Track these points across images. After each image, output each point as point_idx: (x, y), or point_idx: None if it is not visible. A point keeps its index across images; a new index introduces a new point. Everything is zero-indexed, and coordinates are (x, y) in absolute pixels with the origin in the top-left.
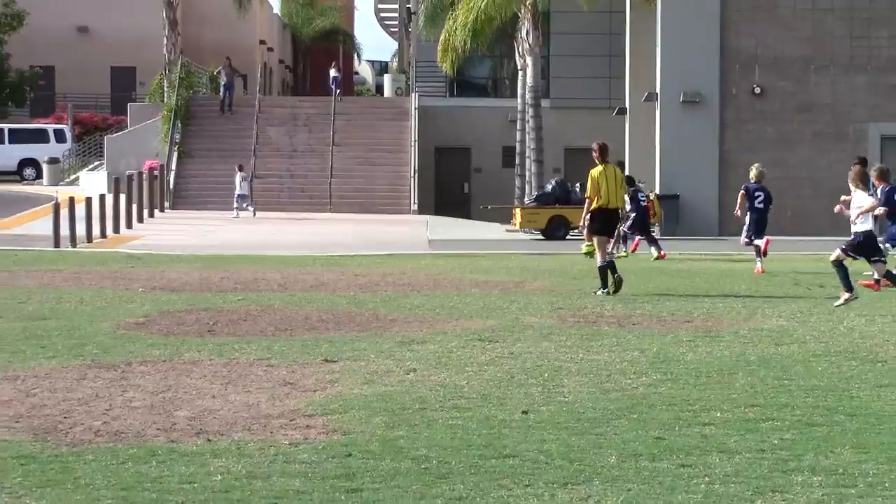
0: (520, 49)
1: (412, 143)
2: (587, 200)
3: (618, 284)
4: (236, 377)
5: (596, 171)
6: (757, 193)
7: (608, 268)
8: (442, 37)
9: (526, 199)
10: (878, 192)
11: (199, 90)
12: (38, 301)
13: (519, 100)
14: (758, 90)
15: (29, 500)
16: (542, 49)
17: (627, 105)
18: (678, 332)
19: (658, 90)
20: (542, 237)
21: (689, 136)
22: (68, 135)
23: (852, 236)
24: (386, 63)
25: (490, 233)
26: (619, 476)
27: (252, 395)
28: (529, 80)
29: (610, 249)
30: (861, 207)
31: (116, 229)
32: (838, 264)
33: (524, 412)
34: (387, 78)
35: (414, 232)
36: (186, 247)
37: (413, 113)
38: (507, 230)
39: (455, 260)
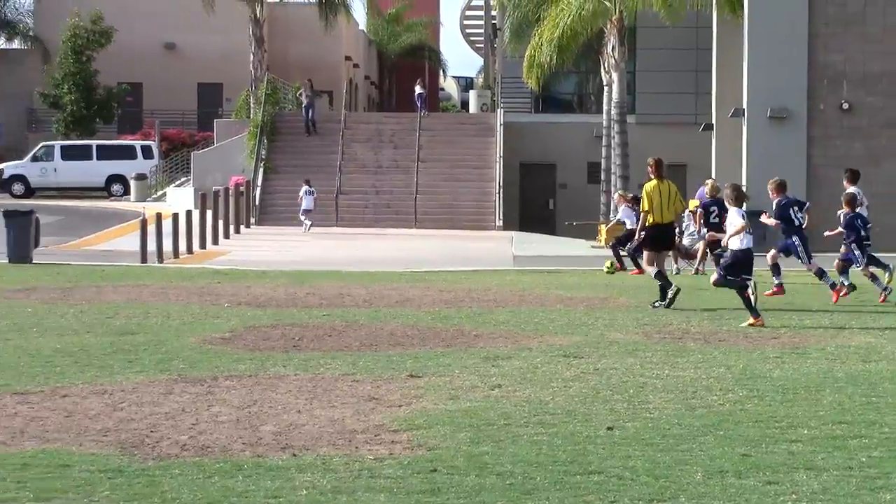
0: (605, 65)
1: (497, 159)
2: (643, 215)
3: (668, 296)
4: (322, 392)
5: (650, 186)
6: (711, 209)
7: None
8: (527, 52)
9: (611, 215)
10: (774, 204)
11: (285, 106)
12: (126, 316)
13: (604, 115)
14: (846, 106)
15: None
16: (627, 64)
17: (714, 121)
18: (764, 348)
19: (745, 106)
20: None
21: (776, 153)
22: (155, 151)
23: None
24: (471, 79)
25: (575, 249)
26: (706, 493)
27: (337, 410)
28: (615, 95)
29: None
30: (734, 226)
31: (203, 245)
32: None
33: (609, 428)
34: (472, 94)
35: (499, 248)
36: (272, 262)
37: (498, 129)
38: (592, 246)
39: (540, 276)
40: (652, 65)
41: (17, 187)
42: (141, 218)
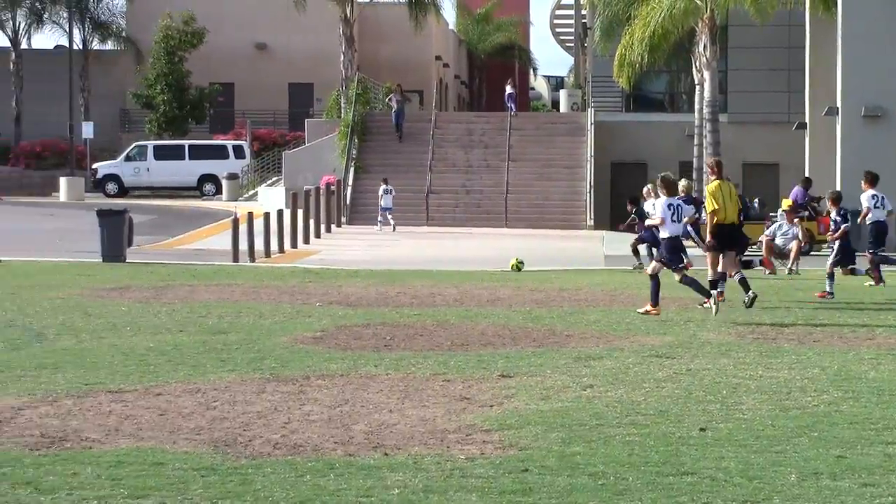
0: (696, 63)
1: (588, 159)
2: (710, 216)
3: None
4: (413, 391)
5: (713, 187)
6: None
7: (716, 282)
8: (618, 52)
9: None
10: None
11: (376, 106)
12: (218, 315)
13: (696, 115)
14: None
15: None
16: (719, 63)
17: (807, 120)
18: (860, 349)
19: (839, 104)
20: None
21: (871, 152)
22: (247, 151)
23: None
24: (562, 78)
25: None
26: (800, 495)
27: (429, 409)
28: (707, 94)
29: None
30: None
31: (294, 244)
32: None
33: (702, 429)
34: (562, 93)
35: (590, 247)
36: (363, 262)
37: (589, 128)
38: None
39: (631, 276)
40: (744, 63)
41: (111, 187)
42: (233, 217)
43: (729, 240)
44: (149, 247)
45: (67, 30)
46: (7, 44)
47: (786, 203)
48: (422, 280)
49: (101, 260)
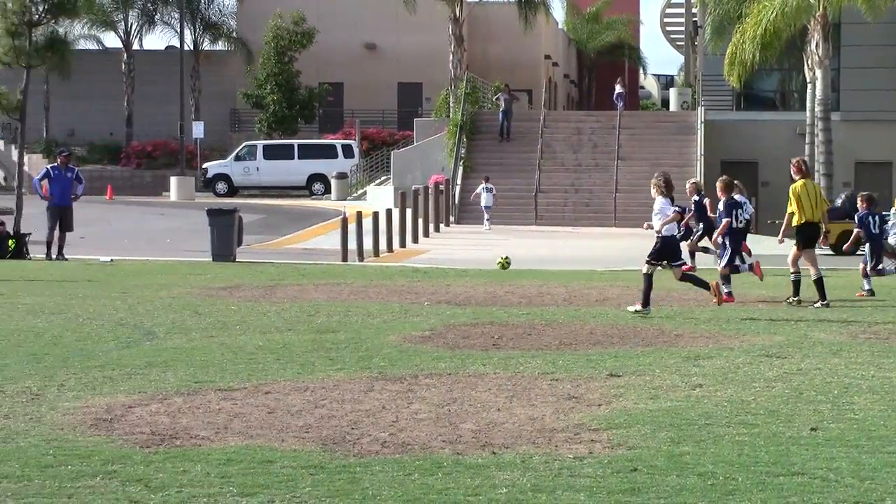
0: (808, 61)
1: (698, 158)
2: (789, 216)
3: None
4: (521, 390)
5: (798, 186)
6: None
7: (821, 280)
8: (729, 50)
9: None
10: (721, 204)
11: (484, 105)
12: (327, 314)
13: (807, 113)
14: None
15: None
16: (831, 61)
17: None
18: None
19: None
20: (831, 252)
21: None
22: (356, 150)
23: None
24: (671, 77)
25: (777, 248)
26: None
27: (536, 408)
28: (818, 92)
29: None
30: (659, 216)
31: (403, 243)
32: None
33: (813, 429)
34: (672, 92)
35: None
36: (471, 261)
37: (699, 127)
38: (781, 242)
39: (741, 275)
40: (857, 61)
41: (221, 186)
42: (341, 217)
43: (814, 237)
44: (258, 246)
45: (178, 30)
46: (119, 45)
47: None
48: (530, 279)
49: (210, 259)
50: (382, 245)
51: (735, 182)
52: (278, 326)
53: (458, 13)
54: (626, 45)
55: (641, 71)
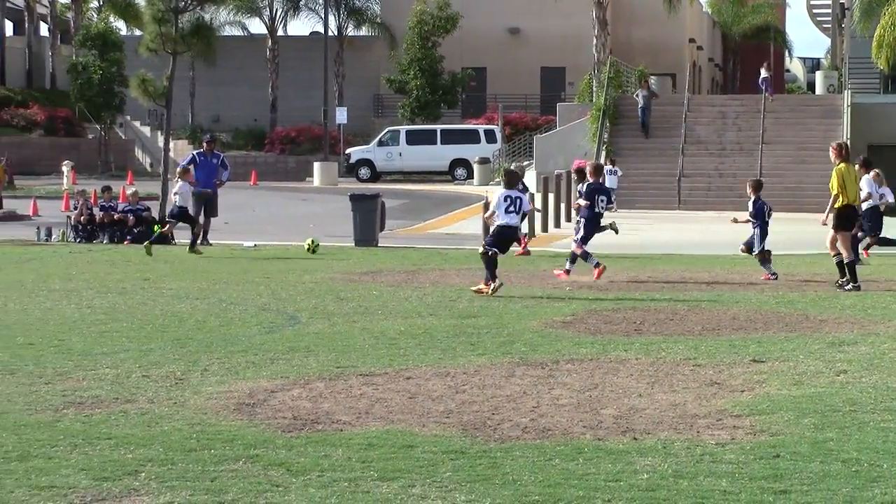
0: None
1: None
2: (833, 197)
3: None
4: (663, 376)
5: (843, 169)
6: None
7: (854, 264)
8: (877, 32)
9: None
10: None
11: (628, 90)
12: (468, 299)
13: None
14: None
15: (458, 494)
16: None
17: None
18: None
19: None
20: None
21: None
22: (498, 135)
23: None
24: (818, 60)
25: None
26: None
27: (678, 394)
28: None
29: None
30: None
31: (545, 228)
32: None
33: None
34: (818, 75)
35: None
36: (613, 245)
37: (845, 110)
38: None
39: (886, 259)
40: None
41: (364, 171)
42: (484, 202)
43: (853, 221)
44: (401, 231)
45: (323, 16)
46: (264, 31)
47: None
48: (673, 264)
49: (353, 244)
50: (524, 230)
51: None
52: (420, 311)
53: None
54: (771, 27)
55: (787, 54)
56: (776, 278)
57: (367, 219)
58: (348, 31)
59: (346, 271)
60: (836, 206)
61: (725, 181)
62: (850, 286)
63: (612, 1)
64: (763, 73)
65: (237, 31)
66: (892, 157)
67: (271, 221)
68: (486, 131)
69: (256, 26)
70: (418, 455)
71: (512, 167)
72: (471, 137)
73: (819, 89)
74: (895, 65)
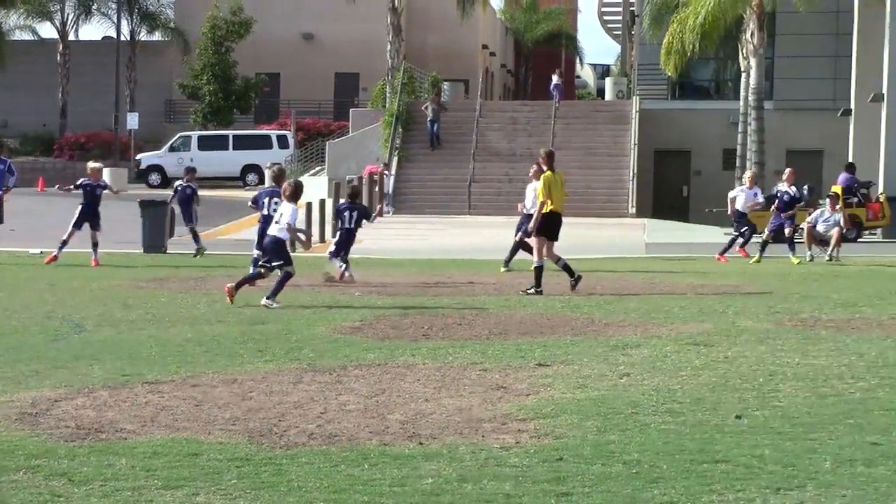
0: (744, 51)
1: (632, 147)
2: (539, 204)
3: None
4: (449, 381)
5: (548, 177)
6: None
7: (542, 270)
8: (665, 39)
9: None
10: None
11: (421, 95)
12: (257, 306)
13: (741, 102)
14: None
15: (243, 501)
16: (766, 50)
17: (853, 106)
18: None
19: (885, 90)
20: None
21: None
22: (291, 141)
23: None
24: (608, 66)
25: (708, 236)
26: (834, 482)
27: (465, 398)
28: (753, 81)
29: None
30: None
31: (335, 234)
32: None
33: (738, 417)
34: (608, 81)
35: (631, 235)
36: (404, 251)
37: (634, 116)
38: (726, 234)
39: (672, 263)
40: (791, 50)
41: (154, 177)
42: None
43: (554, 228)
44: (190, 237)
45: (115, 21)
46: (55, 35)
47: (835, 190)
48: (462, 269)
49: (142, 251)
50: (316, 235)
51: None
52: (208, 318)
53: (396, 3)
54: (563, 34)
55: (578, 60)
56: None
57: (156, 225)
58: (141, 35)
59: (134, 278)
60: (543, 211)
61: (515, 186)
62: (532, 290)
63: (407, 7)
64: (555, 79)
65: (28, 36)
66: (678, 161)
67: (59, 227)
68: (278, 137)
69: (48, 30)
70: (203, 463)
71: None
72: (263, 143)
73: (609, 95)
74: (683, 71)
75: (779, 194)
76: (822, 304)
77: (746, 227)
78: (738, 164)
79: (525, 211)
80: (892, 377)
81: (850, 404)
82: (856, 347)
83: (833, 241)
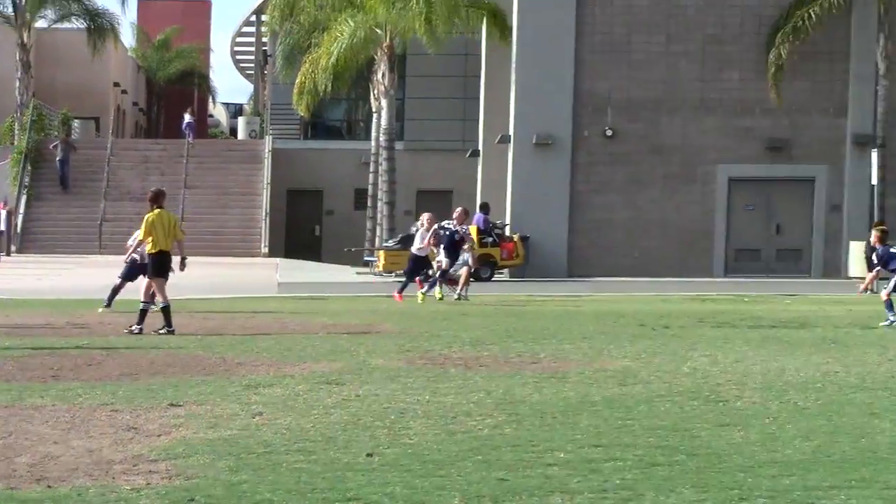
0: (375, 91)
1: (265, 186)
2: (144, 245)
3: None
4: (79, 423)
5: (153, 216)
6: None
7: (168, 309)
8: (298, 79)
9: (390, 241)
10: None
11: (51, 132)
12: None
13: (372, 142)
14: (609, 132)
15: None
16: (396, 91)
17: (481, 147)
18: (524, 373)
19: (511, 132)
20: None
21: (541, 179)
22: None
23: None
24: (241, 105)
25: (340, 275)
26: None
27: (95, 440)
28: (384, 122)
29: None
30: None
31: None
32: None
33: (369, 455)
34: (241, 120)
35: (264, 275)
36: (33, 291)
37: (266, 155)
38: (358, 272)
39: (304, 303)
40: (421, 91)
41: None
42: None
43: (167, 267)
44: None
45: None
46: None
47: (472, 230)
48: (92, 309)
49: None
50: None
51: None
52: None
53: (25, 39)
54: (196, 73)
55: (211, 99)
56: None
57: None
58: None
59: None
60: (150, 252)
61: None
62: (164, 330)
63: (36, 43)
64: (187, 117)
65: None
66: (309, 201)
67: None
68: None
69: None
70: None
71: None
72: None
73: (241, 134)
74: (315, 111)
75: (448, 233)
76: (451, 342)
77: (424, 268)
78: (369, 203)
79: None
80: (518, 413)
81: (479, 440)
82: (484, 384)
83: (462, 280)
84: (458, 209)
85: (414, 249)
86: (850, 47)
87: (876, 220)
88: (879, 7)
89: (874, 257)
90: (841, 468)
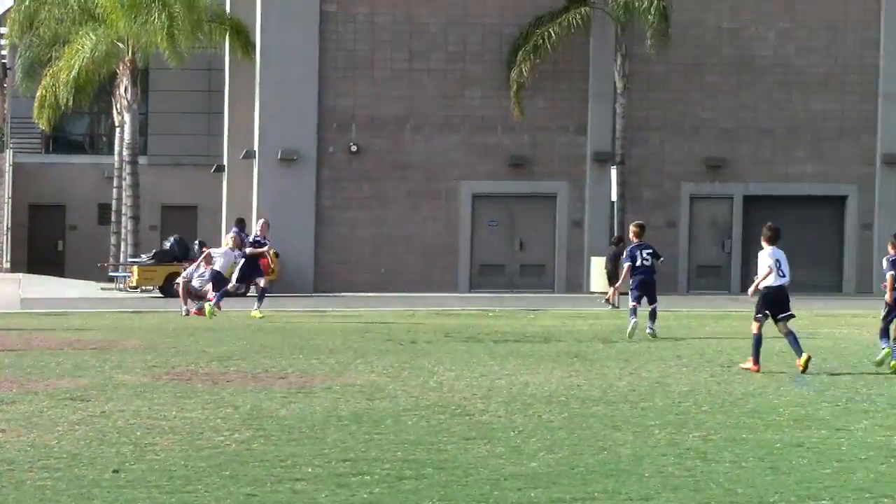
0: (118, 105)
1: (6, 201)
2: None
3: None
4: None
5: None
6: None
7: None
8: (39, 93)
9: (144, 256)
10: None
11: None
12: None
13: (116, 157)
14: (354, 149)
15: None
16: (140, 106)
17: (226, 162)
18: (272, 388)
19: (256, 147)
20: (160, 294)
21: (287, 194)
22: None
23: None
24: None
25: (85, 291)
26: None
27: None
28: (127, 136)
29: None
30: None
31: None
32: None
33: (115, 471)
34: None
35: (7, 291)
36: None
37: (7, 169)
38: (103, 288)
39: (48, 319)
40: (165, 106)
41: None
42: None
43: None
44: None
45: None
46: None
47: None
48: None
49: None
50: None
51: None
52: None
53: None
54: None
55: None
56: None
57: None
58: None
59: None
60: None
61: None
62: None
63: None
64: None
65: None
66: (54, 216)
67: None
68: None
69: None
70: None
71: None
72: None
73: None
74: (57, 125)
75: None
76: (197, 357)
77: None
78: (113, 218)
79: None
80: (265, 429)
81: (226, 456)
82: (231, 400)
83: (210, 296)
84: (261, 220)
85: (217, 267)
86: (590, 66)
87: (615, 235)
88: (616, 27)
89: (884, 263)
90: (585, 480)
